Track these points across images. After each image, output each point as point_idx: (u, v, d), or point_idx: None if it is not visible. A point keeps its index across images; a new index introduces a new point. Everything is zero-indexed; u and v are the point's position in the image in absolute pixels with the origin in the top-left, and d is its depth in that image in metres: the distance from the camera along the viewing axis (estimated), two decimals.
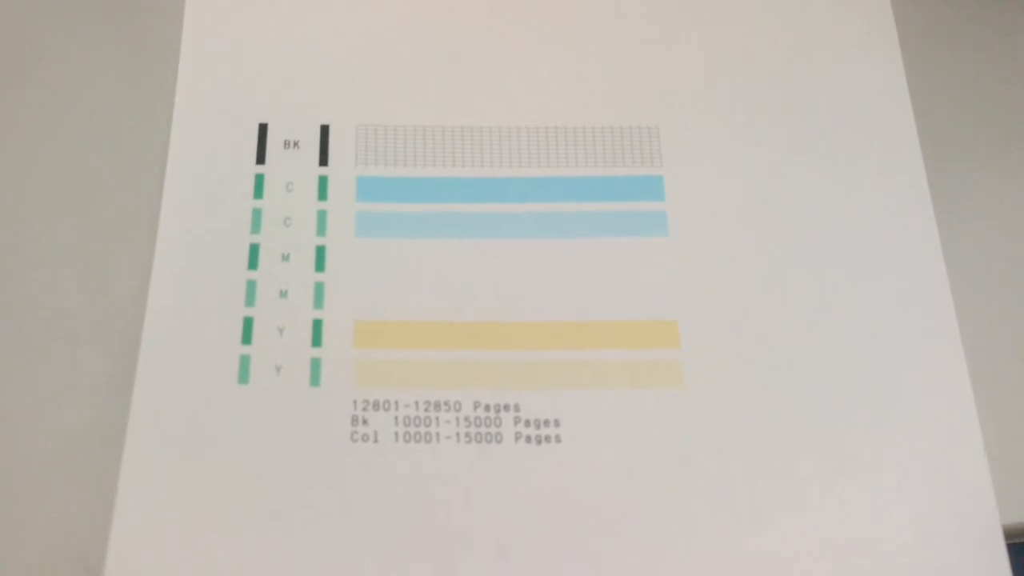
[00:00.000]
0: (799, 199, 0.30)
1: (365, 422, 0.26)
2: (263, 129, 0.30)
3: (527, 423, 0.26)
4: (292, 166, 0.29)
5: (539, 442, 0.26)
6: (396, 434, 0.26)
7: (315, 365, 0.26)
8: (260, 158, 0.29)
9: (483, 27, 0.32)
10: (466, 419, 0.26)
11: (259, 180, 0.29)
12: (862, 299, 0.28)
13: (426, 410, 0.26)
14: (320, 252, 0.28)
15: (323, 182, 0.29)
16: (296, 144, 0.29)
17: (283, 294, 0.27)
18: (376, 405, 0.26)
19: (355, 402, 0.26)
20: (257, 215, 0.28)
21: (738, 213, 0.29)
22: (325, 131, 0.30)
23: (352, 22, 0.31)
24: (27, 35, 0.31)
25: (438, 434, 0.26)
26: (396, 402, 0.26)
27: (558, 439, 0.26)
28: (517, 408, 0.27)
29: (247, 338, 0.27)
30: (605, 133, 0.30)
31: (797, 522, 0.26)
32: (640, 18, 0.32)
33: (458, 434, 0.26)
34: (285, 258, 0.28)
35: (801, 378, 0.28)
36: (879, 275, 0.29)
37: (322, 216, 0.29)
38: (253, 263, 0.28)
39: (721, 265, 0.29)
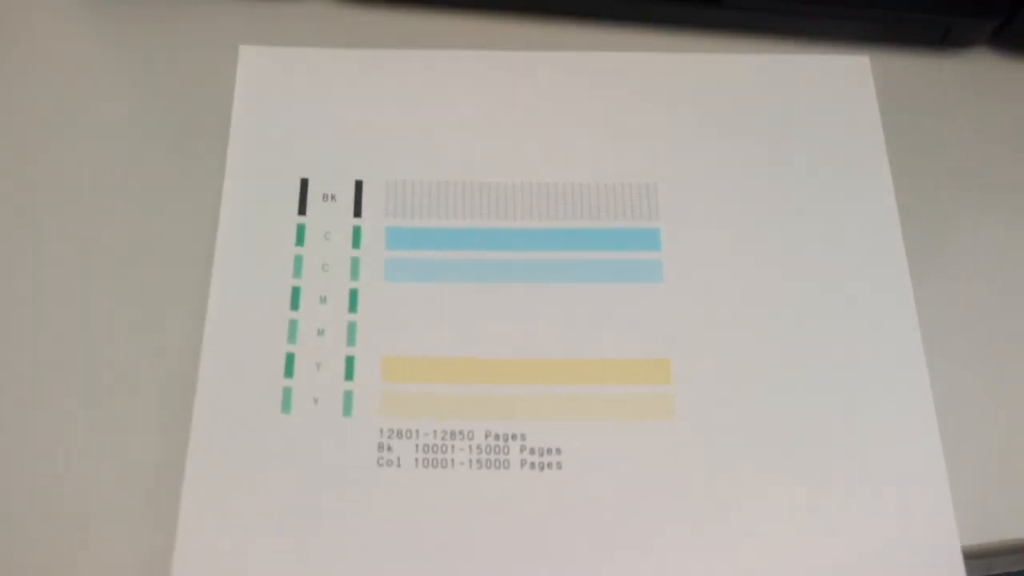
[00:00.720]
0: (784, 251, 0.33)
1: (390, 448, 0.30)
2: (304, 184, 0.33)
3: (532, 451, 0.30)
4: (330, 217, 0.33)
5: (542, 468, 0.30)
6: (416, 460, 0.29)
7: (347, 397, 0.30)
8: (302, 209, 0.33)
9: (498, 96, 0.35)
10: (478, 447, 0.30)
11: (300, 230, 0.33)
12: (838, 342, 0.31)
13: (443, 438, 0.30)
14: (353, 295, 0.32)
15: (357, 232, 0.33)
16: (333, 197, 0.33)
17: (320, 332, 0.31)
18: (399, 433, 0.30)
19: (381, 430, 0.30)
20: (299, 261, 0.32)
21: (728, 263, 0.33)
22: (359, 186, 0.33)
23: (384, 91, 0.35)
24: (90, 105, 0.35)
25: (453, 460, 0.30)
26: (417, 431, 0.30)
27: (559, 466, 0.30)
28: (523, 437, 0.30)
29: (289, 372, 0.30)
30: (608, 189, 0.33)
31: (776, 544, 0.29)
32: (642, 87, 0.35)
33: (471, 460, 0.30)
34: (323, 300, 0.32)
35: (781, 413, 0.31)
36: (854, 320, 0.32)
37: (355, 262, 0.32)
38: (295, 304, 0.31)
39: (711, 309, 0.32)
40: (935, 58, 0.37)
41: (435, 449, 0.30)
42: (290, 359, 0.31)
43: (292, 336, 0.31)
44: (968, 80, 0.36)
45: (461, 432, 0.30)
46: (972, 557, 0.29)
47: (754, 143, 0.34)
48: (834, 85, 0.35)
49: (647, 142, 0.34)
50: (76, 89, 0.35)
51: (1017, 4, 0.34)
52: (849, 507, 0.29)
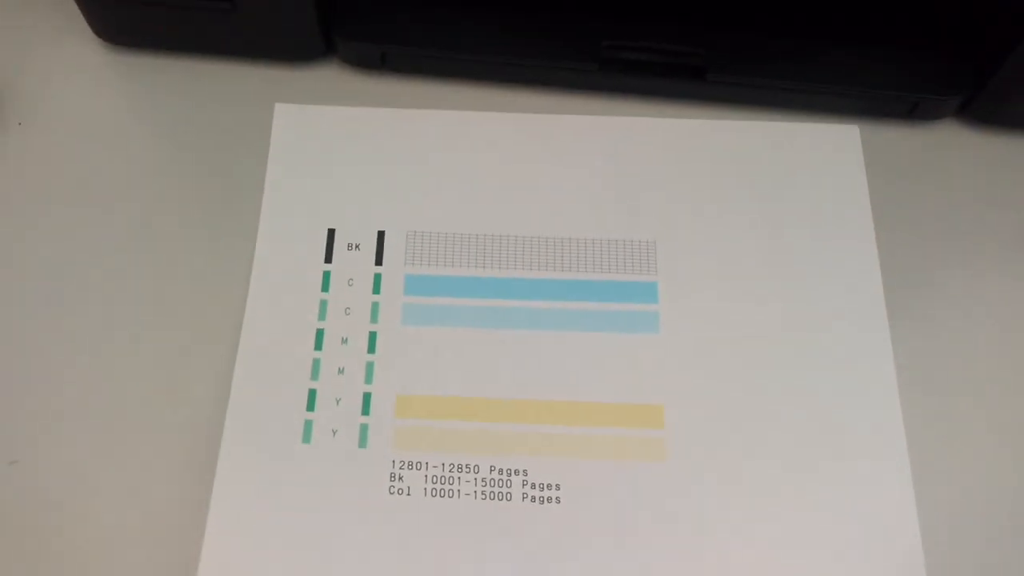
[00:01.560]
0: (773, 307, 0.35)
1: (401, 479, 0.32)
2: (331, 233, 0.36)
3: (533, 485, 0.32)
4: (354, 265, 0.36)
5: (542, 502, 0.32)
6: (425, 490, 0.32)
7: (363, 430, 0.33)
8: (328, 258, 0.36)
9: (512, 154, 0.38)
10: (483, 480, 0.32)
11: (326, 276, 0.36)
12: (820, 393, 0.34)
13: (451, 471, 0.32)
14: (372, 337, 0.35)
15: (378, 278, 0.36)
16: (358, 247, 0.36)
17: (341, 371, 0.34)
18: (410, 465, 0.32)
19: (393, 462, 0.32)
20: (324, 305, 0.35)
21: (720, 316, 0.35)
22: (381, 236, 0.36)
23: (406, 148, 0.38)
24: (127, 158, 0.38)
25: (459, 491, 0.32)
26: (427, 463, 0.32)
27: (558, 500, 0.32)
28: (525, 473, 0.32)
29: (311, 406, 0.33)
30: (610, 245, 0.36)
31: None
32: (644, 150, 0.38)
33: (475, 492, 0.32)
34: (344, 341, 0.34)
35: (767, 458, 0.33)
36: (835, 373, 0.34)
37: (375, 307, 0.35)
38: (319, 345, 0.34)
39: (703, 359, 0.34)
40: (907, 129, 0.39)
41: (443, 480, 0.32)
42: (312, 394, 0.33)
43: (315, 373, 0.34)
44: (936, 149, 0.39)
45: (467, 465, 0.32)
46: None
47: (748, 205, 0.37)
48: (825, 151, 0.38)
49: (648, 202, 0.37)
50: (111, 144, 0.38)
51: (979, 83, 0.37)
52: (826, 546, 0.32)
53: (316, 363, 0.34)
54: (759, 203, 0.37)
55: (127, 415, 0.33)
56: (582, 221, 0.37)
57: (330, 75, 0.39)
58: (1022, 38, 0.35)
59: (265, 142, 0.38)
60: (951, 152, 0.39)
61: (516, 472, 0.32)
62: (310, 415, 0.33)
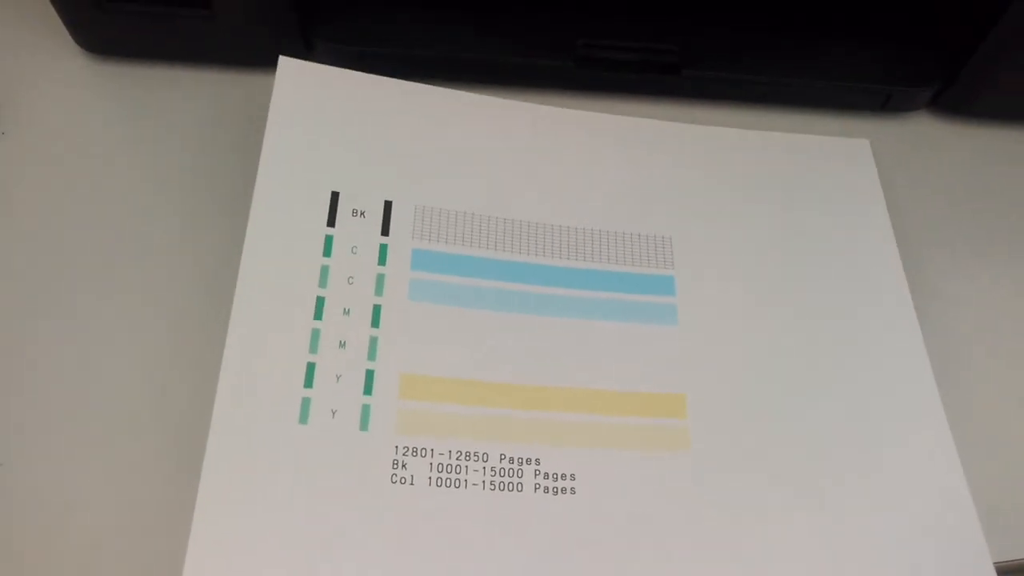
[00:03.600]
0: (790, 297, 0.34)
1: (404, 466, 0.30)
2: (335, 197, 0.34)
3: (546, 476, 0.30)
4: (358, 232, 0.33)
5: (556, 493, 0.30)
6: (430, 479, 0.30)
7: (365, 411, 0.30)
8: (331, 222, 0.33)
9: (531, 142, 0.36)
10: (492, 469, 0.30)
11: (328, 241, 0.33)
12: (847, 377, 0.32)
13: (458, 459, 0.30)
14: (376, 310, 0.32)
15: (383, 249, 0.33)
16: (363, 214, 0.34)
17: (342, 344, 0.31)
18: (415, 452, 0.30)
19: (396, 447, 0.30)
20: (325, 271, 0.32)
21: (737, 309, 0.34)
22: (388, 206, 0.34)
23: (420, 121, 0.36)
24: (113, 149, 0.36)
25: (467, 481, 0.30)
26: (432, 450, 0.30)
27: (573, 491, 0.30)
28: (538, 462, 0.30)
29: (309, 382, 0.30)
30: (628, 238, 0.35)
31: (793, 571, 0.29)
32: (663, 150, 0.37)
33: (484, 482, 0.30)
34: (346, 312, 0.32)
35: (794, 445, 0.31)
36: (861, 355, 0.33)
37: (380, 279, 0.33)
38: (319, 314, 0.32)
39: (724, 350, 0.33)
40: (881, 121, 0.40)
41: (449, 469, 0.30)
42: (311, 368, 0.31)
43: (314, 346, 0.31)
44: (910, 140, 0.39)
45: (476, 453, 0.30)
46: (1006, 573, 0.29)
47: (764, 201, 0.36)
48: (837, 160, 0.38)
49: (665, 199, 0.36)
50: (96, 151, 0.37)
51: (951, 75, 0.38)
52: (867, 534, 0.30)
53: (316, 333, 0.31)
54: (773, 208, 0.36)
55: (112, 391, 0.31)
56: (599, 213, 0.35)
57: None
58: (992, 29, 0.35)
59: (249, 143, 0.36)
60: (924, 143, 0.39)
61: (528, 461, 0.30)
62: (308, 392, 0.30)
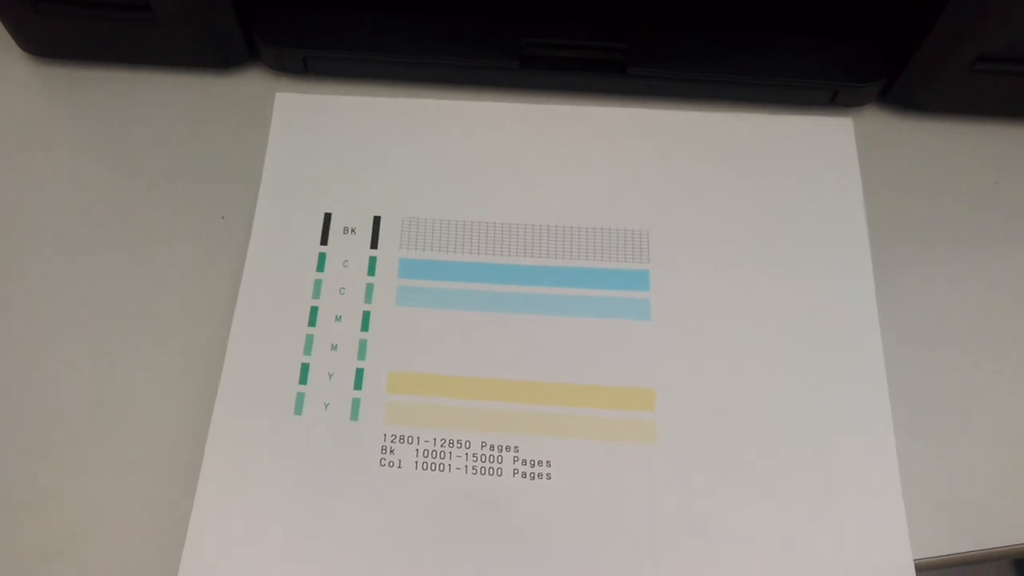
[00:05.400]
0: (763, 295, 0.36)
1: (392, 451, 0.32)
2: (328, 217, 0.37)
3: (524, 462, 0.32)
4: (349, 248, 0.36)
5: (533, 478, 0.32)
6: (416, 463, 0.32)
7: (355, 404, 0.33)
8: (324, 240, 0.36)
9: (506, 143, 0.39)
10: (474, 455, 0.32)
11: (322, 257, 0.36)
12: (809, 379, 0.34)
13: (442, 445, 0.32)
14: (366, 316, 0.35)
15: (372, 261, 0.36)
16: (353, 230, 0.37)
17: (334, 347, 0.34)
18: (402, 439, 0.32)
19: (385, 435, 0.32)
20: (318, 285, 0.35)
21: (711, 305, 0.35)
22: (377, 221, 0.37)
23: (402, 136, 0.39)
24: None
25: (450, 465, 0.32)
26: (418, 437, 0.32)
27: (549, 476, 0.32)
28: (517, 449, 0.32)
29: (303, 380, 0.33)
30: (604, 233, 0.37)
31: (746, 558, 0.31)
32: (637, 141, 0.39)
33: (466, 467, 0.32)
34: (338, 319, 0.35)
35: (754, 442, 0.33)
36: (823, 357, 0.35)
37: (369, 288, 0.35)
38: (312, 322, 0.34)
39: (694, 346, 0.35)
40: (831, 117, 0.40)
41: (434, 455, 0.32)
42: (305, 368, 0.33)
43: (308, 349, 0.34)
44: (859, 135, 0.39)
45: (459, 441, 0.32)
46: (924, 569, 0.31)
47: (740, 198, 0.38)
48: (817, 143, 0.39)
49: (641, 192, 0.38)
50: (43, 154, 0.38)
51: (897, 70, 0.38)
52: (813, 527, 0.32)
53: (309, 339, 0.34)
54: (751, 194, 0.38)
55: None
56: (576, 210, 0.37)
57: (254, 80, 0.40)
58: (935, 23, 0.35)
59: (195, 143, 0.38)
60: (874, 137, 0.40)
61: (507, 448, 0.32)
62: (302, 388, 0.33)
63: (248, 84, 0.40)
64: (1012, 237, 0.38)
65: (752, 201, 0.38)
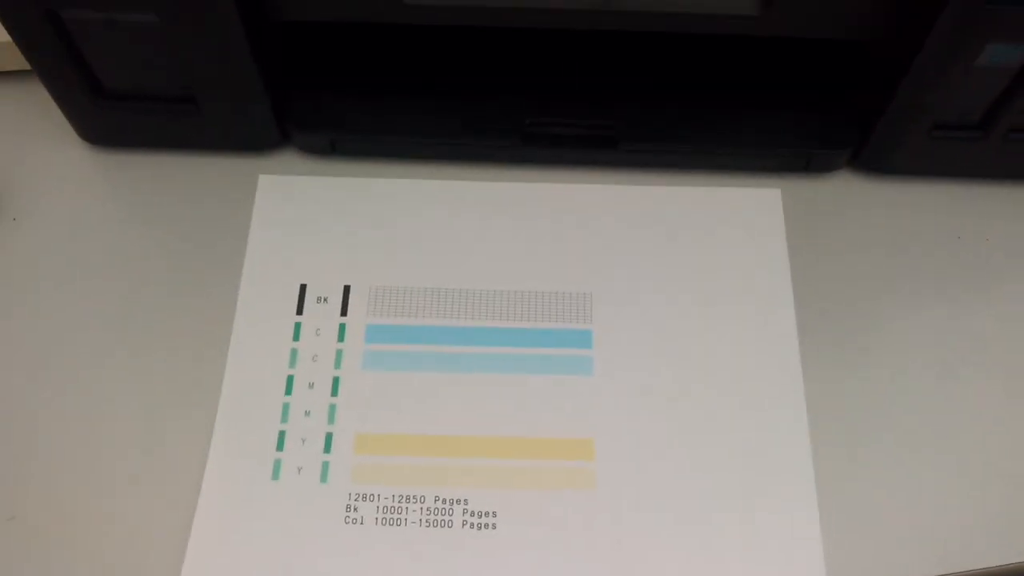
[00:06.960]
0: (696, 352, 0.39)
1: (356, 509, 0.36)
2: (303, 288, 0.41)
3: (472, 513, 0.36)
4: (321, 316, 0.40)
5: (480, 528, 0.36)
6: (377, 519, 0.36)
7: (324, 467, 0.37)
8: (299, 310, 0.41)
9: (462, 217, 0.42)
10: (427, 509, 0.36)
11: (297, 327, 0.40)
12: (735, 432, 0.37)
13: (399, 501, 0.37)
14: (335, 381, 0.39)
15: (342, 328, 0.40)
16: (326, 299, 0.41)
17: (307, 413, 0.38)
18: (365, 497, 0.37)
19: (350, 495, 0.37)
20: (294, 354, 0.40)
21: (648, 361, 0.39)
22: (347, 290, 0.41)
23: (371, 212, 0.43)
24: (114, 241, 0.44)
25: (406, 520, 0.36)
26: (379, 495, 0.37)
27: (495, 527, 0.36)
28: (465, 502, 0.37)
29: (280, 446, 0.38)
30: (551, 297, 0.40)
31: None
32: (582, 214, 0.43)
33: (421, 520, 0.36)
34: (311, 386, 0.39)
35: (685, 488, 0.36)
36: (750, 413, 0.38)
37: (339, 354, 0.40)
38: (288, 390, 0.39)
39: (632, 399, 0.38)
40: (806, 182, 0.44)
41: (392, 510, 0.36)
42: (282, 436, 0.38)
43: (285, 416, 0.38)
44: (832, 199, 0.43)
45: (414, 496, 0.37)
46: None
47: (675, 262, 0.41)
48: (748, 213, 0.42)
49: (585, 259, 0.41)
50: (98, 234, 0.43)
51: (863, 138, 0.41)
52: (739, 567, 0.35)
53: (286, 407, 0.39)
54: (686, 260, 0.41)
55: (116, 458, 0.38)
56: (526, 275, 0.41)
57: (287, 161, 0.44)
58: (895, 94, 0.38)
59: (234, 221, 0.43)
60: (846, 200, 0.43)
61: (457, 501, 0.37)
62: (279, 454, 0.38)
63: (281, 164, 0.44)
64: (969, 288, 0.41)
65: (686, 267, 0.41)
